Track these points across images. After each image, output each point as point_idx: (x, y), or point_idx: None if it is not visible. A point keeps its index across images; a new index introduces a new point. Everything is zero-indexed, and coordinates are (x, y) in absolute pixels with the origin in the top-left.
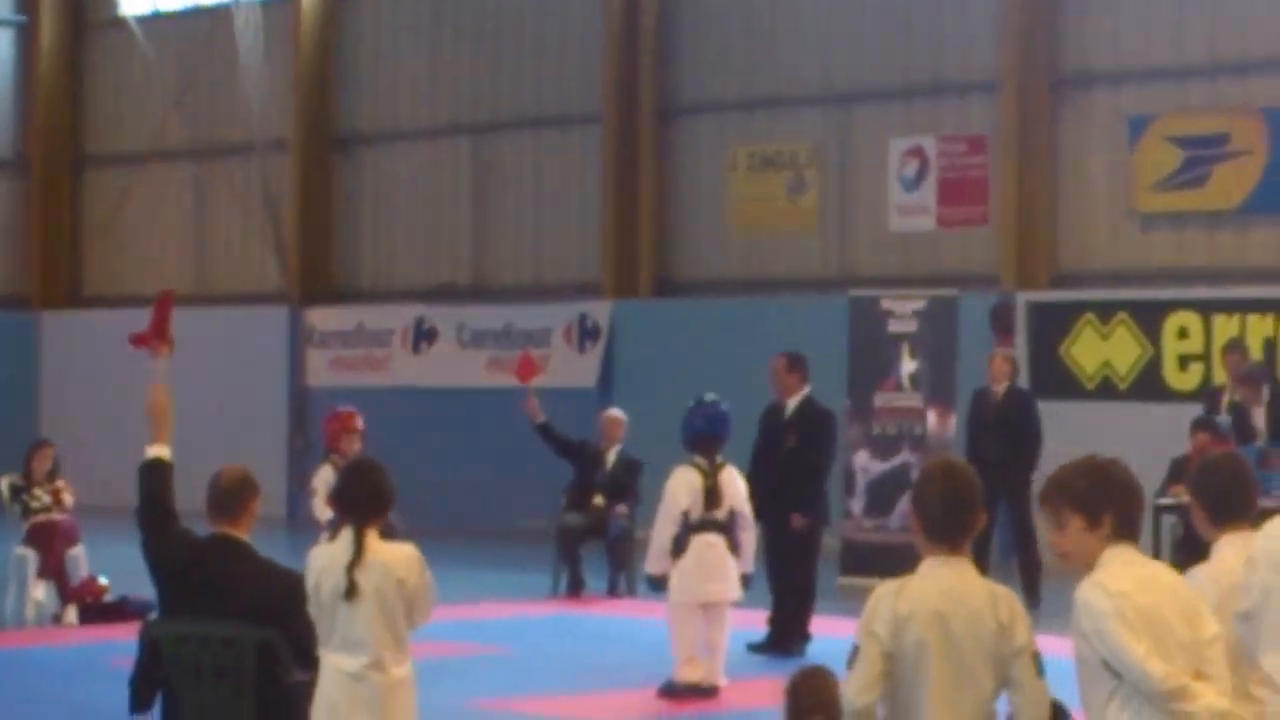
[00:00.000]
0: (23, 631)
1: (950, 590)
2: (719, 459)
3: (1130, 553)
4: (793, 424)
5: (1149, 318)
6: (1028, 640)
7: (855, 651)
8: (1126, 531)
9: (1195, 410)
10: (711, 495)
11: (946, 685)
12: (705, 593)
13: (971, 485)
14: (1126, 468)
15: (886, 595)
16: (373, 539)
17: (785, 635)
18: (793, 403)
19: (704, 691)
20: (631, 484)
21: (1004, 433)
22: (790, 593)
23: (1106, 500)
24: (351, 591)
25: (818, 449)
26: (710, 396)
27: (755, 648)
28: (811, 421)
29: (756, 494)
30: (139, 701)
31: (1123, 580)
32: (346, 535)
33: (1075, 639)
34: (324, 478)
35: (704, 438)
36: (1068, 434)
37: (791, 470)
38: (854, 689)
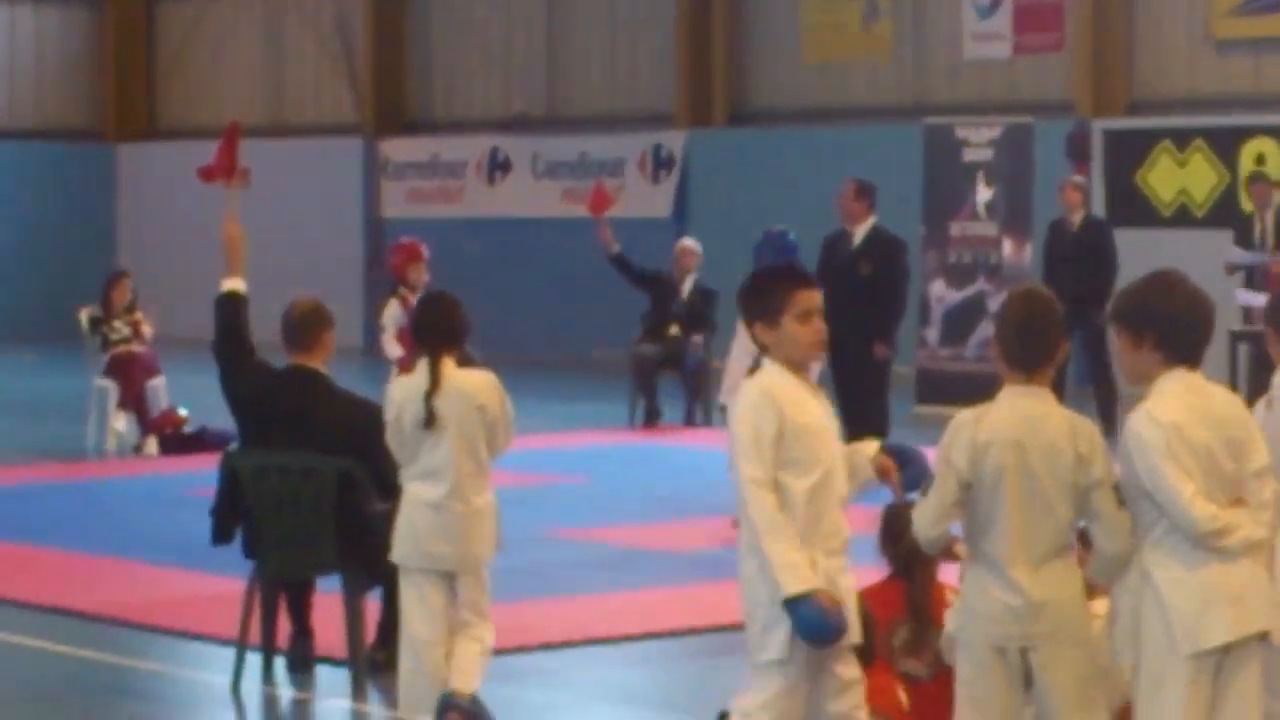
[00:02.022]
0: (104, 462)
1: (1029, 419)
2: None
3: (1187, 378)
4: (864, 252)
5: (1226, 144)
6: (1107, 472)
7: (930, 480)
8: (1175, 353)
9: None
10: None
11: (1022, 513)
12: None
13: (1051, 312)
14: (1187, 287)
15: (965, 424)
16: (450, 367)
17: None
18: (860, 230)
19: None
20: (707, 313)
21: (1081, 262)
22: (865, 423)
23: (1149, 318)
24: (430, 420)
25: (895, 277)
26: (778, 227)
27: None
28: (885, 250)
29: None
30: (221, 531)
31: (1173, 410)
32: (423, 366)
33: (1122, 462)
34: (392, 313)
35: None
36: (1144, 262)
37: (870, 300)
38: (928, 519)
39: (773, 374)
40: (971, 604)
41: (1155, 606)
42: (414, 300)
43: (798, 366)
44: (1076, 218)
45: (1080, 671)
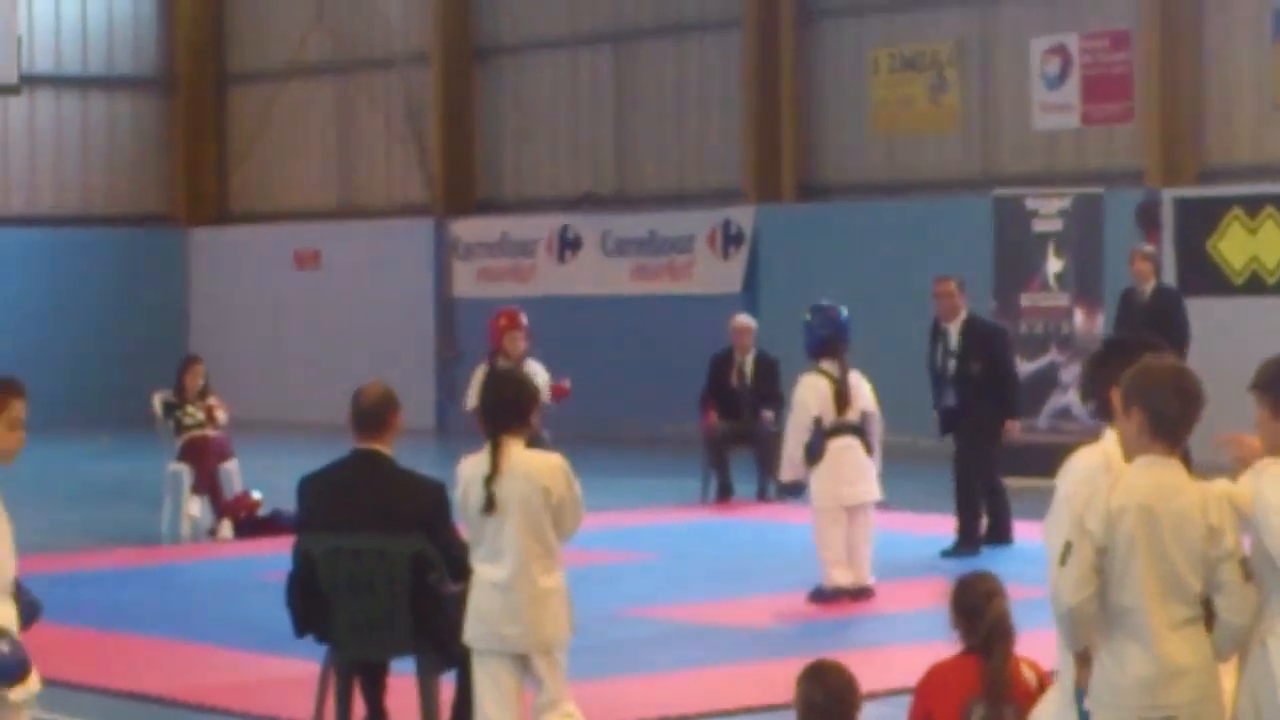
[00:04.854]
0: (179, 547)
1: (1162, 487)
2: (846, 363)
3: None
4: (969, 349)
5: None
6: (1237, 544)
7: (1068, 547)
8: None
9: None
10: (841, 399)
11: (1156, 582)
12: (847, 495)
13: (1202, 389)
14: None
15: (1100, 491)
16: (516, 449)
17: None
18: (956, 325)
19: (856, 593)
20: (773, 385)
21: (1152, 332)
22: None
23: None
24: (489, 506)
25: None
26: (827, 301)
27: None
28: (989, 342)
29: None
30: (301, 622)
31: None
32: (487, 448)
33: (1251, 527)
34: (480, 376)
35: (830, 343)
36: (1216, 331)
37: (983, 388)
38: (1069, 586)
39: (1112, 444)
40: (1110, 676)
41: (1268, 676)
42: None
43: None
44: (1147, 287)
45: None
